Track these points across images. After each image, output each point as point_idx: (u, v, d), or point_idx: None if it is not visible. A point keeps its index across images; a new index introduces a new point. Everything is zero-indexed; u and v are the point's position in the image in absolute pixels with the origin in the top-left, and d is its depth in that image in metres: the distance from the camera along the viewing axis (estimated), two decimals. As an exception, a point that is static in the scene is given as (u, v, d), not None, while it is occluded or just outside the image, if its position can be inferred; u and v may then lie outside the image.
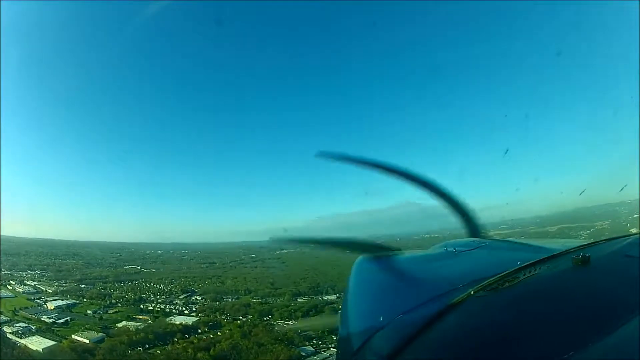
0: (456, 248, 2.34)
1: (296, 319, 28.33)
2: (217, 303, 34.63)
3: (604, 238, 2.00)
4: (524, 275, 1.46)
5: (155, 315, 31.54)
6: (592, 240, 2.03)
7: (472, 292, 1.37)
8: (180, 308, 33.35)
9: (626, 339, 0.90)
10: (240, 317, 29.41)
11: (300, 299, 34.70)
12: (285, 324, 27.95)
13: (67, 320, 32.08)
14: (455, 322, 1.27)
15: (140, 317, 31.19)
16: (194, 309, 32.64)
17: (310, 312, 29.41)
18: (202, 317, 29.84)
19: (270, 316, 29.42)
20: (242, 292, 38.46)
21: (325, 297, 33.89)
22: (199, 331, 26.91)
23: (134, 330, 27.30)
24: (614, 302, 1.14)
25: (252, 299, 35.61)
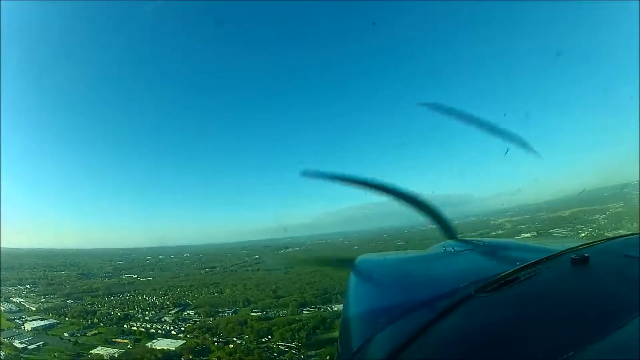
0: (456, 248, 2.35)
1: (300, 339, 23.29)
2: (211, 319, 29.96)
3: (603, 237, 2.02)
4: (524, 275, 1.45)
5: (138, 337, 27.06)
6: (591, 240, 1.98)
7: (472, 293, 1.38)
8: (168, 327, 28.74)
9: (626, 339, 0.90)
10: (235, 339, 24.57)
11: (306, 311, 29.74)
12: (288, 346, 22.98)
13: (39, 345, 28.25)
14: (455, 322, 1.26)
15: (120, 340, 26.77)
16: (182, 328, 27.98)
17: (317, 330, 24.33)
18: (189, 340, 25.16)
19: (270, 336, 24.49)
20: (241, 303, 33.74)
21: (335, 308, 28.81)
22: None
23: (107, 359, 22.78)
24: (613, 302, 1.13)
25: (252, 312, 30.81)
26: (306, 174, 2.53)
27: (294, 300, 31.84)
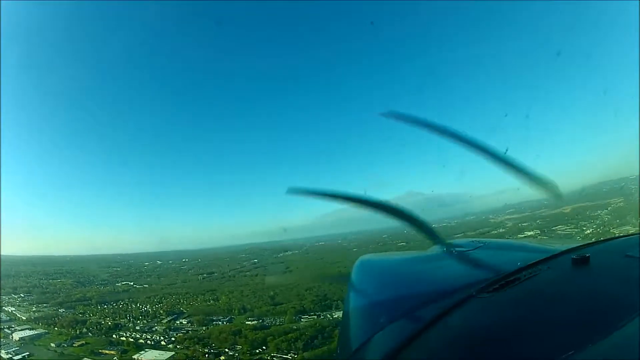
0: (457, 249, 2.35)
1: (296, 350, 21.66)
2: (205, 328, 28.39)
3: (604, 238, 1.99)
4: (525, 276, 1.45)
5: (125, 348, 25.57)
6: (592, 240, 1.97)
7: (473, 293, 1.37)
8: (158, 337, 27.20)
9: (626, 339, 0.90)
10: (227, 350, 22.99)
11: (304, 319, 28.11)
12: (283, 357, 21.36)
13: (24, 356, 27.03)
14: (456, 322, 1.26)
15: (107, 352, 25.30)
16: (173, 338, 26.44)
17: (315, 340, 22.68)
18: (178, 352, 23.62)
19: (264, 347, 22.89)
20: (237, 311, 32.20)
21: (335, 315, 27.17)
22: (169, 374, 20.71)
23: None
24: (613, 302, 1.14)
25: (247, 320, 29.24)
26: (293, 191, 2.44)
27: (292, 308, 30.23)
